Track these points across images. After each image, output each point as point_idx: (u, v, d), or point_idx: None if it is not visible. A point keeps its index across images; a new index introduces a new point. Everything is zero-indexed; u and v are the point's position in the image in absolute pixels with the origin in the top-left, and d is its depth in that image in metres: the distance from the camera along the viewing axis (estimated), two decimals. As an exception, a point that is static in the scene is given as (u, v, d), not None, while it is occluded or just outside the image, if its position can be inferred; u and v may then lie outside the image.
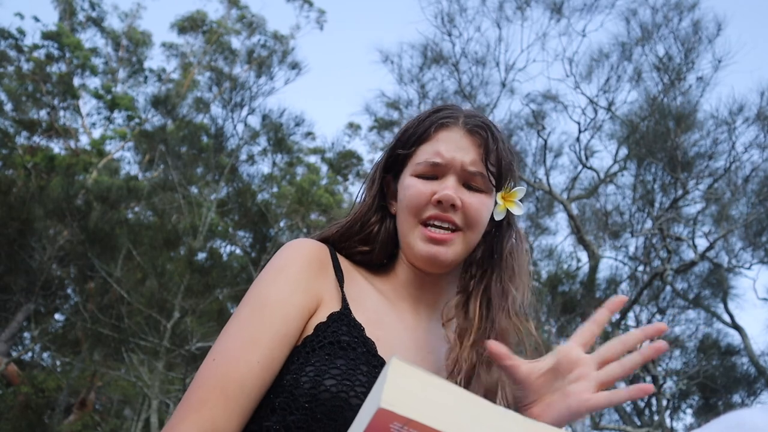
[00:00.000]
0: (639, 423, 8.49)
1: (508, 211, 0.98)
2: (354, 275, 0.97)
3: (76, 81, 14.02)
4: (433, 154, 0.95)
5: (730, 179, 8.18)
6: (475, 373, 0.88)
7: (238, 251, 10.90)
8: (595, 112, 8.64)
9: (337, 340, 0.83)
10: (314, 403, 0.77)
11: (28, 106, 12.87)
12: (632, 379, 8.94)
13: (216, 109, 11.26)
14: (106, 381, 9.43)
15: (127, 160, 14.08)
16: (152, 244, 8.80)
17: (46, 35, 13.58)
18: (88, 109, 14.30)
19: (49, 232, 8.93)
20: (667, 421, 8.65)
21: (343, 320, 0.86)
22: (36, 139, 12.78)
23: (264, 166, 12.14)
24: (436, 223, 0.92)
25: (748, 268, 8.59)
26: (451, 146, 0.95)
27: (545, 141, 8.56)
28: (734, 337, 9.07)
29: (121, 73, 15.44)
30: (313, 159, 14.02)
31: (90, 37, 15.10)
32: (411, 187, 0.95)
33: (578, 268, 9.75)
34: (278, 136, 10.84)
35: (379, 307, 0.94)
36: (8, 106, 12.44)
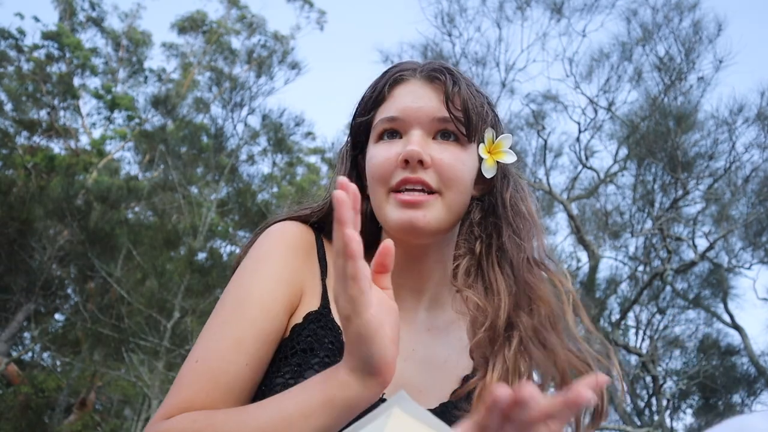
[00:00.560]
0: (639, 423, 8.48)
1: (499, 165, 0.88)
2: None
3: (76, 81, 14.02)
4: (390, 108, 0.86)
5: (730, 179, 8.18)
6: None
7: (238, 251, 10.90)
8: (595, 112, 8.64)
9: (310, 347, 0.78)
10: None
11: (28, 106, 12.87)
12: (632, 379, 8.95)
13: (216, 109, 11.26)
14: (106, 381, 9.43)
15: (127, 160, 14.08)
16: (152, 244, 8.80)
17: (46, 35, 13.58)
18: (88, 109, 14.31)
19: (49, 232, 8.93)
20: (667, 421, 8.65)
21: (320, 321, 0.80)
22: (36, 139, 12.78)
23: (264, 166, 12.14)
24: (408, 187, 0.81)
25: (748, 268, 8.60)
26: (409, 98, 0.85)
27: (545, 141, 8.55)
28: (734, 337, 9.08)
29: (121, 73, 15.44)
30: (313, 159, 14.02)
31: (90, 37, 15.11)
32: (374, 155, 0.85)
33: (578, 268, 9.75)
34: (278, 136, 10.83)
35: None
36: (8, 106, 12.44)
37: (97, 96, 14.25)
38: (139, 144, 13.05)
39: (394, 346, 0.65)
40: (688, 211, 8.62)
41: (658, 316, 9.33)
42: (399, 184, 0.81)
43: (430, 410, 0.51)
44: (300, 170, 13.71)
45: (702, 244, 8.35)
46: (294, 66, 11.11)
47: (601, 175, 8.87)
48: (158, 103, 11.36)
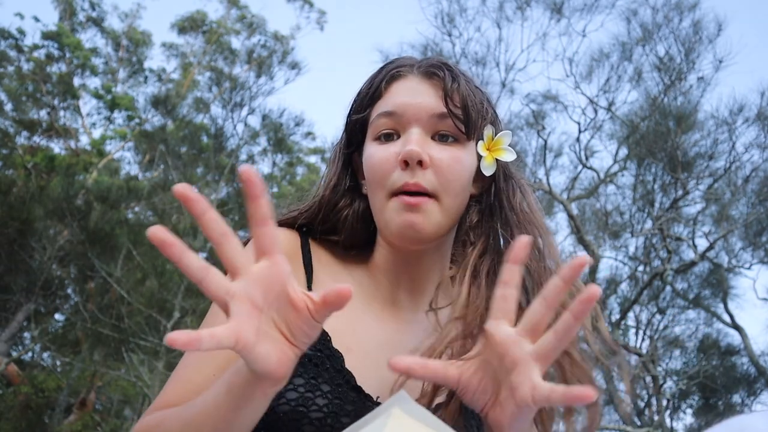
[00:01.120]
0: (639, 423, 8.49)
1: (498, 163, 0.86)
2: (327, 266, 0.87)
3: (76, 81, 14.02)
4: (387, 104, 0.83)
5: (730, 179, 8.18)
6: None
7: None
8: (595, 112, 8.64)
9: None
10: (268, 430, 0.73)
11: (28, 106, 12.86)
12: (632, 379, 8.94)
13: (216, 109, 11.26)
14: (106, 381, 9.42)
15: (127, 160, 14.08)
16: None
17: (46, 35, 13.58)
18: (88, 109, 14.31)
19: (49, 232, 8.93)
20: (667, 421, 8.65)
21: None
22: (36, 139, 12.78)
23: (264, 166, 12.14)
24: (407, 196, 0.79)
25: (748, 268, 8.60)
26: (407, 94, 0.83)
27: (545, 141, 8.55)
28: (734, 337, 9.07)
29: (121, 73, 15.44)
30: (313, 159, 14.02)
31: (90, 37, 15.10)
32: (372, 155, 0.83)
33: (578, 268, 9.73)
34: (278, 136, 10.84)
35: (355, 305, 0.82)
36: (8, 106, 12.43)
37: (97, 96, 14.25)
38: (139, 144, 13.04)
39: (278, 354, 0.60)
40: (688, 211, 8.63)
41: (658, 316, 9.34)
42: (399, 189, 0.80)
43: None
44: (300, 170, 13.72)
45: (702, 244, 8.36)
46: (294, 66, 11.12)
47: (601, 175, 8.87)
48: (158, 103, 11.36)
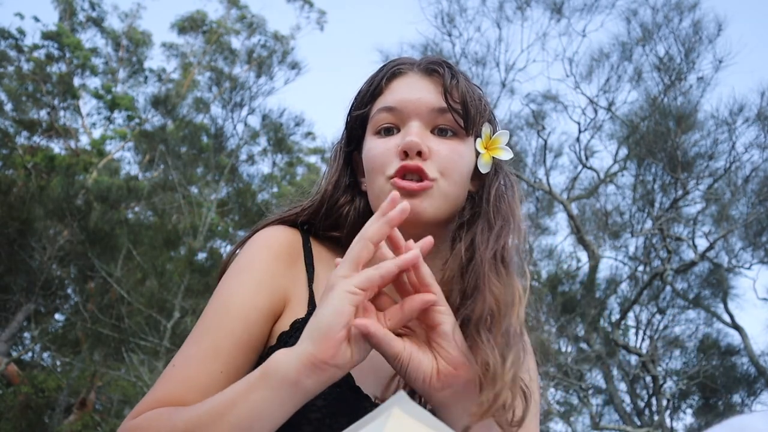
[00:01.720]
0: (639, 423, 8.49)
1: (494, 161, 0.87)
2: (328, 263, 0.88)
3: (76, 81, 14.03)
4: (388, 100, 0.85)
5: (730, 179, 8.17)
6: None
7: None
8: (595, 112, 8.64)
9: None
10: None
11: (28, 106, 12.87)
12: (632, 379, 8.95)
13: (216, 109, 11.26)
14: (106, 381, 9.42)
15: (127, 160, 14.09)
16: (152, 244, 8.80)
17: (46, 35, 13.58)
18: (88, 109, 14.31)
19: (49, 232, 8.93)
20: (667, 421, 8.65)
21: None
22: (36, 139, 12.78)
23: (264, 166, 12.14)
24: (407, 176, 0.80)
25: (748, 268, 8.59)
26: (407, 89, 0.85)
27: (545, 141, 8.55)
28: (734, 337, 9.07)
29: (121, 73, 15.44)
30: (313, 159, 14.03)
31: (90, 37, 15.11)
32: (372, 148, 0.85)
33: (578, 268, 9.75)
34: (278, 136, 10.84)
35: None
36: (8, 106, 12.44)
37: (97, 96, 14.25)
38: (139, 144, 13.04)
39: (341, 329, 0.64)
40: (688, 211, 8.63)
41: (658, 316, 9.33)
42: (398, 171, 0.81)
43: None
44: (300, 170, 13.73)
45: (702, 244, 8.36)
46: (294, 66, 11.11)
47: (601, 175, 8.87)
48: (158, 103, 11.36)
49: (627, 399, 9.06)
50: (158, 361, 7.70)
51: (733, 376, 8.95)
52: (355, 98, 0.91)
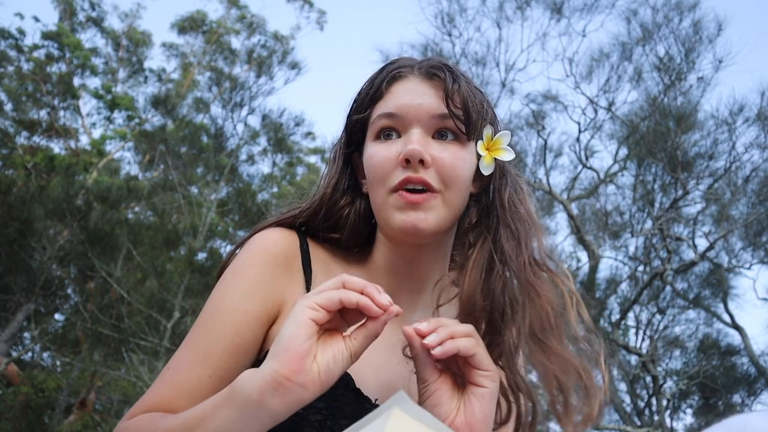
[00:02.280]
0: (639, 423, 8.48)
1: (496, 162, 0.87)
2: (326, 265, 0.88)
3: (76, 81, 14.02)
4: (388, 105, 0.84)
5: (730, 179, 8.17)
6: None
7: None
8: (595, 112, 8.64)
9: None
10: None
11: (28, 106, 12.86)
12: (632, 379, 8.95)
13: (216, 109, 11.25)
14: (106, 381, 9.42)
15: (127, 160, 14.08)
16: (152, 244, 8.80)
17: (46, 35, 13.57)
18: (88, 109, 14.31)
19: (49, 232, 8.93)
20: (667, 421, 8.65)
21: None
22: (36, 139, 12.77)
23: (264, 166, 12.13)
24: (409, 186, 0.80)
25: (748, 268, 8.59)
26: (407, 95, 0.83)
27: (545, 141, 8.55)
28: (734, 337, 9.07)
29: (121, 73, 15.43)
30: (313, 159, 14.02)
31: (90, 37, 15.10)
32: (374, 155, 0.84)
33: (578, 268, 9.74)
34: (278, 136, 10.83)
35: None
36: (8, 106, 12.43)
37: (97, 96, 14.24)
38: (139, 144, 13.04)
39: (303, 342, 0.65)
40: (688, 211, 8.62)
41: (658, 316, 9.33)
42: (400, 183, 0.80)
43: None
44: (300, 170, 13.72)
45: (702, 244, 8.36)
46: (294, 66, 11.11)
47: (601, 175, 8.86)
48: (158, 103, 11.35)
49: (627, 399, 9.06)
50: (158, 361, 7.70)
51: (733, 376, 8.95)
52: (355, 100, 0.90)
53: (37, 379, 9.34)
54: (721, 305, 8.89)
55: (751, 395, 8.90)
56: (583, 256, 9.39)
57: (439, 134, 0.83)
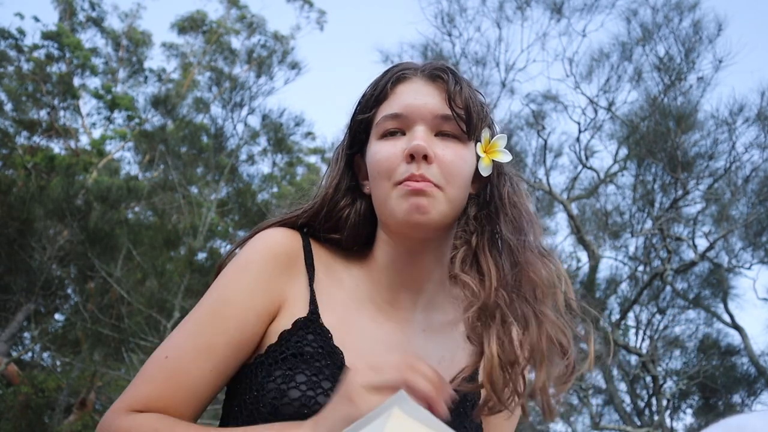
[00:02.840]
0: (639, 423, 8.48)
1: (494, 163, 0.90)
2: (328, 265, 0.89)
3: (76, 81, 14.02)
4: (393, 106, 0.87)
5: (730, 179, 8.17)
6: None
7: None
8: (595, 112, 8.64)
9: (300, 352, 0.78)
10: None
11: (28, 106, 12.86)
12: (632, 379, 8.95)
13: (216, 109, 11.25)
14: (106, 381, 9.42)
15: (127, 160, 14.09)
16: (152, 244, 8.80)
17: (46, 35, 13.58)
18: (88, 109, 14.31)
19: (49, 232, 8.93)
20: (667, 421, 8.65)
21: (310, 327, 0.81)
22: (36, 139, 12.77)
23: (264, 166, 12.14)
24: (412, 182, 0.81)
25: (748, 268, 8.59)
26: (411, 95, 0.86)
27: (545, 141, 8.55)
28: (734, 337, 9.07)
29: (121, 73, 15.44)
30: (313, 159, 14.03)
31: (90, 37, 15.11)
32: (378, 152, 0.85)
33: (578, 268, 9.75)
34: (278, 136, 10.83)
35: (353, 303, 0.87)
36: (8, 106, 12.43)
37: (97, 96, 14.24)
38: (139, 144, 13.04)
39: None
40: (688, 211, 8.62)
41: (658, 316, 9.33)
42: (404, 179, 0.82)
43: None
44: (300, 170, 13.73)
45: (702, 244, 8.36)
46: (294, 66, 11.10)
47: (601, 175, 8.86)
48: (158, 103, 11.35)
49: (627, 399, 9.06)
50: (158, 361, 7.70)
51: (733, 376, 8.95)
52: (359, 102, 0.92)
53: (37, 379, 9.34)
54: (721, 305, 8.89)
55: (751, 395, 8.91)
56: (583, 256, 9.40)
57: (441, 134, 0.86)
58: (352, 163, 0.94)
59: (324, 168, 14.36)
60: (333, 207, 0.90)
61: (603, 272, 9.50)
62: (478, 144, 0.88)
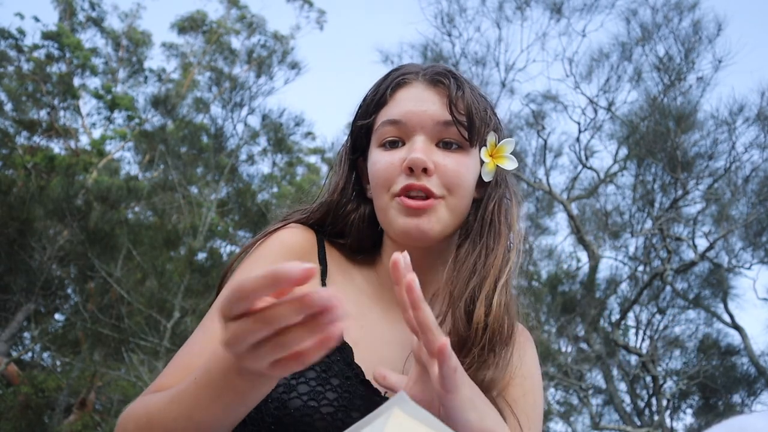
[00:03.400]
0: (639, 423, 8.49)
1: (497, 169, 0.88)
2: (341, 264, 0.90)
3: (76, 81, 14.02)
4: (393, 112, 0.85)
5: (730, 179, 8.17)
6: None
7: (237, 251, 10.88)
8: (595, 112, 8.64)
9: None
10: (279, 426, 0.75)
11: (28, 106, 12.86)
12: (632, 379, 8.94)
13: (216, 109, 11.25)
14: (106, 381, 9.42)
15: (127, 160, 14.08)
16: (152, 244, 8.80)
17: (46, 35, 13.57)
18: (88, 109, 14.31)
19: (49, 232, 8.93)
20: (667, 421, 8.65)
21: None
22: (36, 139, 12.77)
23: (264, 166, 12.14)
24: (412, 193, 0.81)
25: (748, 268, 8.58)
26: (411, 102, 0.84)
27: (545, 141, 8.55)
28: (734, 337, 9.06)
29: (121, 73, 15.44)
30: (313, 159, 14.03)
31: (90, 37, 15.10)
32: (377, 161, 0.85)
33: (578, 268, 9.75)
34: (278, 136, 10.83)
35: (363, 301, 0.87)
36: (8, 106, 12.43)
37: (97, 96, 14.24)
38: (139, 144, 13.04)
39: None
40: (688, 211, 8.62)
41: (658, 316, 9.33)
42: (402, 190, 0.81)
43: None
44: (300, 170, 13.73)
45: (702, 244, 8.36)
46: (294, 66, 11.10)
47: (601, 175, 8.87)
48: (158, 103, 11.35)
49: (627, 399, 9.06)
50: (158, 361, 7.70)
51: (733, 376, 8.95)
52: (360, 106, 0.91)
53: (37, 379, 9.34)
54: (721, 305, 8.89)
55: (751, 395, 8.90)
56: (583, 256, 9.40)
57: (443, 143, 0.84)
58: (355, 167, 0.94)
59: (324, 168, 14.38)
60: (339, 212, 0.90)
61: (603, 272, 9.52)
62: (483, 148, 0.87)
